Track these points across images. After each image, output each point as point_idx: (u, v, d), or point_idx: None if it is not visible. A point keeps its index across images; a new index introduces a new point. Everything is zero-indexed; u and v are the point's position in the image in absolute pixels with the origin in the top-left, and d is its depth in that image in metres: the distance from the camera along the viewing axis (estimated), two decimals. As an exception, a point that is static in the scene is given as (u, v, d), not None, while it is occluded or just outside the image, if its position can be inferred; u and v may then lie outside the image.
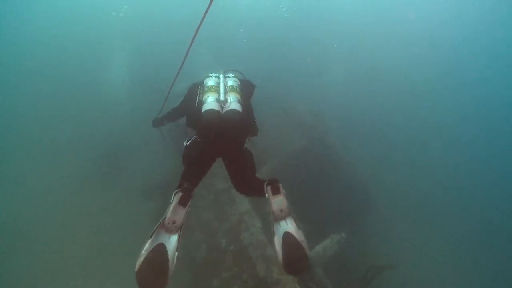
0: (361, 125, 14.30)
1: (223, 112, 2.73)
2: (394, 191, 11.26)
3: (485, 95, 23.50)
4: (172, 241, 2.11)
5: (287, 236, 2.26)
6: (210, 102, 2.75)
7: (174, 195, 2.30)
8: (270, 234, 6.17)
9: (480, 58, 24.69)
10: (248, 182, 2.82)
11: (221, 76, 3.00)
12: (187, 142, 2.99)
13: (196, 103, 2.87)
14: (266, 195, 2.47)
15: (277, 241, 2.27)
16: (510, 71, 24.93)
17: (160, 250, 2.04)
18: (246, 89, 3.02)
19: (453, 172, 15.90)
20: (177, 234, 2.18)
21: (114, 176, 9.32)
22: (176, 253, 2.11)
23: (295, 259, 2.18)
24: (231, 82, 2.92)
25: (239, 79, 3.04)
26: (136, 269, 1.93)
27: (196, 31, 2.47)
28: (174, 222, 2.16)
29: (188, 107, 2.99)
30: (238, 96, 2.84)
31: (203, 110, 2.73)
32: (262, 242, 6.14)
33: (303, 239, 2.27)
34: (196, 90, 2.96)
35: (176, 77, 3.10)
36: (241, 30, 18.73)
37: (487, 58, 24.84)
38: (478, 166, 18.05)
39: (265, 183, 2.54)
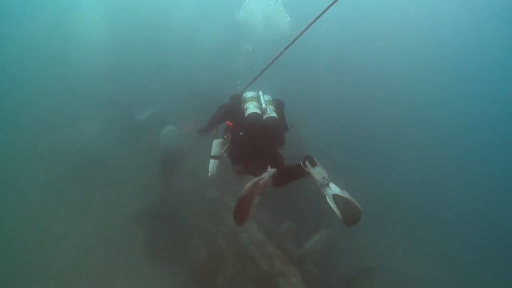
0: (342, 132, 14.75)
1: (264, 118, 3.36)
2: (376, 192, 11.82)
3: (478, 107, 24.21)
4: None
5: (336, 197, 2.81)
6: (252, 107, 3.38)
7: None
8: (270, 233, 6.87)
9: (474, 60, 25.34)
10: (287, 172, 3.32)
11: (260, 92, 3.65)
12: (219, 141, 3.74)
13: (240, 110, 3.48)
14: (307, 169, 3.03)
15: (331, 204, 2.83)
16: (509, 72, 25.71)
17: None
18: (278, 104, 3.67)
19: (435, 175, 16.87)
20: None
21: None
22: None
23: (350, 213, 2.74)
24: (267, 97, 3.59)
25: (272, 98, 3.68)
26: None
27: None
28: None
29: (233, 112, 3.60)
30: (274, 108, 3.50)
31: (246, 114, 3.35)
32: (262, 241, 6.74)
33: (349, 196, 2.84)
34: (239, 99, 3.61)
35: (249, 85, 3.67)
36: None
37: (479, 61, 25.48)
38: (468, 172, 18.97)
39: (303, 160, 3.12)
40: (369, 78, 20.02)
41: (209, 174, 3.72)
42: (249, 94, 3.59)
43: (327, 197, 2.83)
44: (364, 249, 8.88)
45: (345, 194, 2.80)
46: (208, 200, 8.45)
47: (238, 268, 6.49)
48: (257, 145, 3.42)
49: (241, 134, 3.45)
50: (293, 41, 2.49)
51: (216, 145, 3.75)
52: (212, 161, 3.73)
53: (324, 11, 2.11)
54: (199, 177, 8.97)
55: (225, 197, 8.44)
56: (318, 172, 2.95)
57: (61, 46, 16.49)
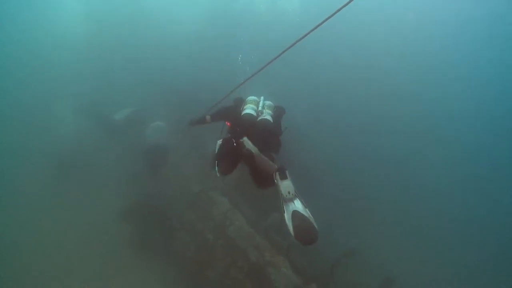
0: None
1: (257, 119, 3.56)
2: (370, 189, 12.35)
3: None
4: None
5: (295, 213, 2.79)
6: (248, 109, 3.61)
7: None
8: (257, 226, 7.07)
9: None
10: (262, 180, 3.50)
11: (262, 97, 3.84)
12: (221, 141, 3.78)
13: (239, 111, 3.70)
14: (275, 180, 3.09)
15: (287, 219, 2.82)
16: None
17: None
18: (278, 110, 3.86)
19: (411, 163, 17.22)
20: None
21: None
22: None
23: (304, 230, 2.71)
24: (268, 103, 3.80)
25: (274, 104, 3.87)
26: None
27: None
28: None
29: (233, 113, 3.80)
30: (271, 112, 3.69)
31: (242, 114, 3.57)
32: (250, 234, 6.89)
33: (309, 215, 2.81)
34: (240, 102, 3.80)
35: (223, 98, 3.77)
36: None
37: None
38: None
39: (275, 170, 3.19)
40: (367, 78, 20.13)
41: (218, 175, 3.81)
42: (251, 98, 3.79)
43: (285, 212, 2.85)
44: (349, 235, 9.15)
45: (306, 213, 2.80)
46: (194, 195, 8.45)
47: (228, 261, 6.61)
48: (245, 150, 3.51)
49: (233, 139, 3.59)
50: (296, 42, 2.45)
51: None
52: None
53: (336, 12, 2.00)
54: (184, 173, 8.96)
55: (210, 192, 8.45)
56: (285, 186, 2.98)
57: (35, 43, 15.72)
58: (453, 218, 13.87)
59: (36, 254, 6.98)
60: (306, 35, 2.31)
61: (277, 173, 3.11)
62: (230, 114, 3.83)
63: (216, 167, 3.79)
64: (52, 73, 13.99)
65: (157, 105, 10.32)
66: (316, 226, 2.73)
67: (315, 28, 2.25)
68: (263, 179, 3.48)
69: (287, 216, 2.81)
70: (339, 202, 9.70)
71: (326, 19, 2.15)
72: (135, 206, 8.29)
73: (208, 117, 4.08)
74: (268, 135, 3.61)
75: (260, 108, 3.63)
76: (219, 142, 3.87)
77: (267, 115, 3.57)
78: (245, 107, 3.64)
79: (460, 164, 19.72)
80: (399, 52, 22.36)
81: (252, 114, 3.54)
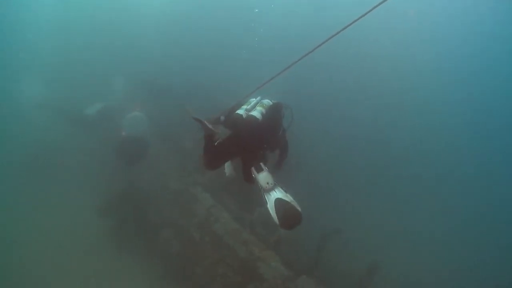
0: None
1: (244, 117, 3.49)
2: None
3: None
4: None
5: (277, 201, 2.81)
6: (240, 109, 3.59)
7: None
8: (243, 221, 7.07)
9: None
10: (244, 175, 3.40)
11: (258, 97, 3.74)
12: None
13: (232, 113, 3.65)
14: (253, 175, 3.11)
15: (270, 208, 2.84)
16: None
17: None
18: (274, 107, 3.73)
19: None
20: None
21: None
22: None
23: (288, 216, 2.74)
24: (265, 101, 3.70)
25: (274, 102, 3.76)
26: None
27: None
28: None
29: (229, 115, 3.73)
30: (262, 109, 3.55)
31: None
32: (236, 230, 6.89)
33: (292, 199, 2.85)
34: (241, 103, 3.73)
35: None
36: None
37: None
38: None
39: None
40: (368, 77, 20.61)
41: (227, 175, 3.73)
42: (250, 99, 3.73)
43: (268, 203, 2.87)
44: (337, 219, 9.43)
45: (288, 198, 2.84)
46: (174, 192, 8.27)
47: (216, 257, 6.59)
48: (239, 143, 3.43)
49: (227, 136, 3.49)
50: (315, 48, 2.37)
51: None
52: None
53: (358, 19, 1.91)
54: (164, 167, 8.74)
55: (191, 188, 8.29)
56: (262, 177, 3.00)
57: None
58: (448, 215, 14.30)
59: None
60: (329, 38, 2.23)
61: (253, 168, 3.12)
62: (227, 115, 3.78)
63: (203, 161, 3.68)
64: (17, 65, 12.73)
65: (132, 99, 9.79)
66: (299, 209, 2.78)
67: (342, 30, 2.17)
68: (249, 174, 3.35)
69: (270, 206, 2.83)
70: (338, 194, 9.87)
71: (356, 20, 2.03)
72: (114, 204, 7.94)
73: (223, 118, 3.84)
74: (255, 132, 3.44)
75: (248, 107, 3.56)
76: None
77: (255, 112, 3.48)
78: (241, 108, 3.62)
79: (456, 161, 20.39)
80: (398, 52, 22.90)
81: (239, 114, 3.51)
